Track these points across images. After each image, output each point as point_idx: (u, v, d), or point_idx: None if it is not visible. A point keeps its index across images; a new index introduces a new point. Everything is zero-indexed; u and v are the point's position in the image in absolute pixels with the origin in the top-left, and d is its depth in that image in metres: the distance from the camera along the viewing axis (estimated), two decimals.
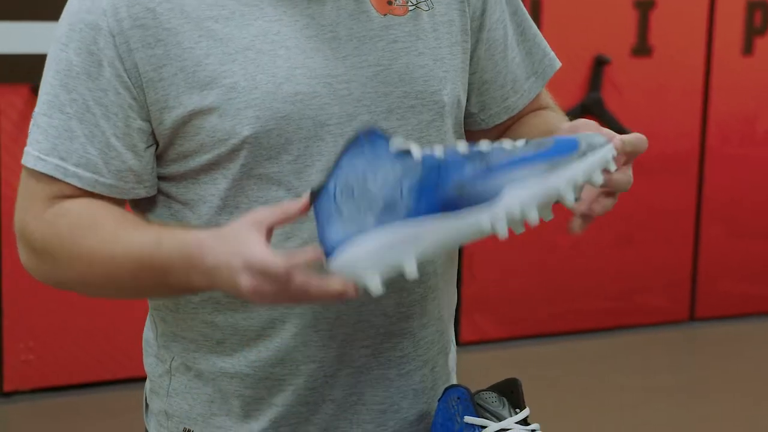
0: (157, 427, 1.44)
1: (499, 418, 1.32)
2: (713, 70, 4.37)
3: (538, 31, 1.51)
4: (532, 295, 4.28)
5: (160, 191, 1.36)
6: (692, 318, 4.53)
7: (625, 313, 4.41)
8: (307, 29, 1.31)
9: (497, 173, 1.14)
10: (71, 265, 1.31)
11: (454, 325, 4.41)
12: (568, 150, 1.17)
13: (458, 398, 1.30)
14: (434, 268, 1.40)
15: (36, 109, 1.33)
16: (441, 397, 1.32)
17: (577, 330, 4.35)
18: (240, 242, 1.17)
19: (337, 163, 1.16)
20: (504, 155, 1.16)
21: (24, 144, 1.35)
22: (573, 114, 4.18)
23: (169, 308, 1.38)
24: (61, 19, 1.34)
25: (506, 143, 1.17)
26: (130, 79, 1.29)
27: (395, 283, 1.29)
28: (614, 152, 1.20)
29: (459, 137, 1.43)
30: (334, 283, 1.14)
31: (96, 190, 1.32)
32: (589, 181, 1.18)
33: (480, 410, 1.31)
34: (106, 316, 3.68)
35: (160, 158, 1.34)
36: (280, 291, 1.16)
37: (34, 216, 1.32)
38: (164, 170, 1.35)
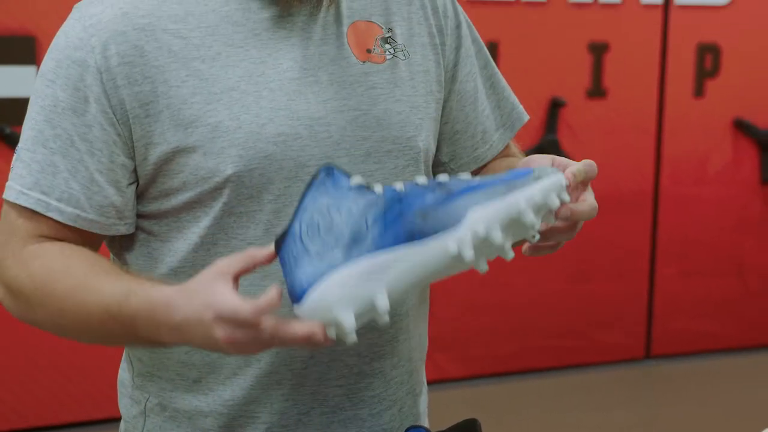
0: None
1: None
2: (666, 112, 4.43)
3: (507, 85, 1.56)
4: (490, 334, 4.31)
5: (138, 228, 1.38)
6: (648, 355, 4.56)
7: (582, 351, 4.44)
8: (290, 72, 1.35)
9: (458, 198, 1.15)
10: (44, 309, 1.32)
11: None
12: (523, 175, 1.20)
13: None
14: (405, 309, 1.44)
15: (20, 144, 1.35)
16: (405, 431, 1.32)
17: (536, 368, 4.38)
18: (208, 294, 1.15)
19: (300, 203, 1.17)
20: (463, 183, 1.18)
21: None
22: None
23: (145, 348, 1.41)
24: (47, 55, 1.36)
25: (463, 175, 1.21)
26: (115, 115, 1.32)
27: (368, 322, 1.28)
28: (566, 182, 1.22)
29: None
30: (303, 327, 1.13)
31: (77, 225, 1.33)
32: (546, 203, 1.18)
33: None
34: (76, 355, 3.66)
35: (141, 196, 1.36)
36: (254, 338, 1.15)
37: (12, 252, 1.33)
38: (145, 208, 1.37)
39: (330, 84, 1.37)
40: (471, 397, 4.14)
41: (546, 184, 1.18)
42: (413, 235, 1.13)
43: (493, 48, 4.09)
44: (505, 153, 1.56)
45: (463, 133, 1.51)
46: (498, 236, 1.14)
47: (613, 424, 3.96)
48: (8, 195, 1.34)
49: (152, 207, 1.37)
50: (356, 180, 1.19)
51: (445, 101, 1.48)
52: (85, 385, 3.72)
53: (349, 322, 1.11)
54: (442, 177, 1.20)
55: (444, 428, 1.34)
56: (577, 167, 1.27)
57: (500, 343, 4.34)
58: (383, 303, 1.12)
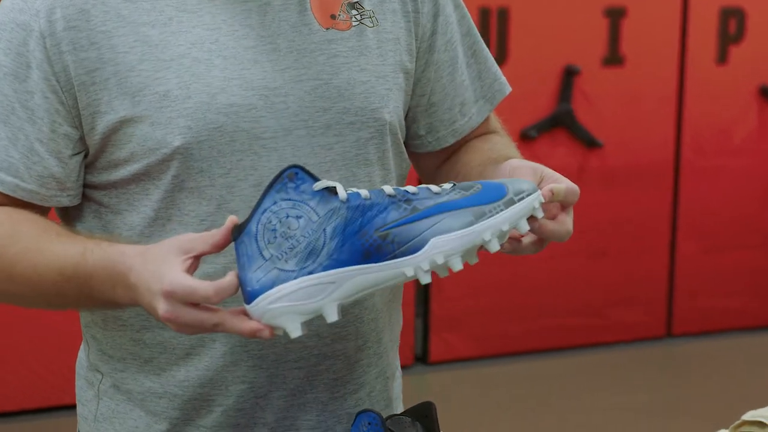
0: None
1: None
2: (687, 80, 4.40)
3: (490, 55, 1.52)
4: (503, 312, 4.29)
5: (90, 199, 1.37)
6: (669, 334, 4.56)
7: (599, 329, 4.43)
8: (246, 39, 1.32)
9: (423, 220, 1.17)
10: None
11: (424, 343, 4.42)
12: (494, 198, 1.20)
13: (369, 423, 1.30)
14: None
15: None
16: (353, 422, 1.32)
17: (550, 347, 4.36)
18: (164, 266, 1.17)
19: (259, 203, 1.16)
20: (430, 200, 1.18)
21: None
22: (543, 127, 4.22)
23: (98, 325, 1.40)
24: None
25: (433, 187, 1.19)
26: (59, 82, 1.30)
27: None
28: (541, 199, 1.23)
29: (399, 157, 1.44)
30: (249, 323, 1.15)
31: (16, 195, 1.32)
32: (515, 229, 1.21)
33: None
34: (41, 340, 3.67)
35: (90, 166, 1.35)
36: (198, 320, 1.16)
37: None
38: (95, 178, 1.35)
39: (289, 52, 1.34)
40: (482, 378, 4.12)
41: (517, 210, 1.19)
42: (371, 254, 1.14)
43: (504, 14, 4.04)
44: (485, 128, 1.52)
45: (440, 105, 1.47)
46: (457, 265, 1.17)
47: (631, 405, 3.94)
48: None
49: (101, 177, 1.35)
50: (320, 184, 1.17)
51: (422, 72, 1.45)
52: (42, 372, 3.71)
53: (295, 331, 1.14)
54: (411, 188, 1.19)
55: (398, 412, 1.34)
56: (558, 187, 1.26)
57: (513, 321, 4.32)
58: (333, 316, 1.15)
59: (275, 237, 1.15)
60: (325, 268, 1.14)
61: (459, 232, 1.16)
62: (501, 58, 4.05)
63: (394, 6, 1.41)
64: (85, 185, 1.36)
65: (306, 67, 1.34)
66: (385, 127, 1.39)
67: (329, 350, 1.39)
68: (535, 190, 1.22)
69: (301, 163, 1.28)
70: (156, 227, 1.34)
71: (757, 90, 4.51)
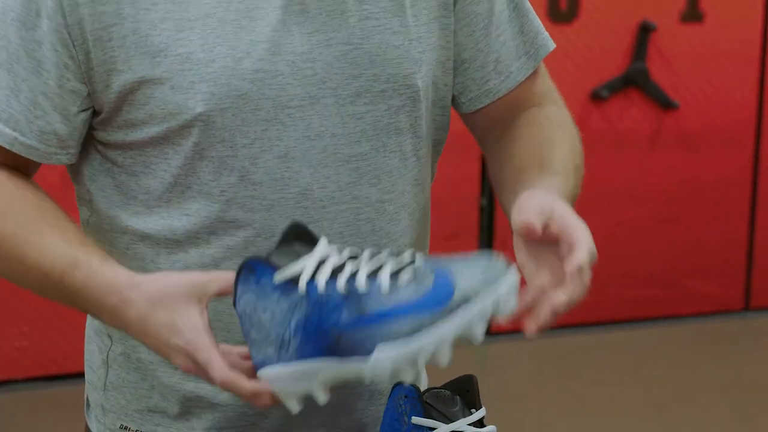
0: (95, 423, 1.43)
1: (451, 419, 1.31)
2: None
3: (531, 7, 1.45)
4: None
5: (104, 157, 1.33)
6: (747, 307, 4.49)
7: (671, 301, 4.36)
8: (274, 0, 1.28)
9: (369, 325, 1.15)
10: None
11: None
12: (438, 303, 1.13)
13: (405, 396, 1.29)
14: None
15: None
16: (390, 394, 1.31)
17: (616, 320, 4.31)
18: (179, 319, 1.18)
19: (234, 289, 1.20)
20: (377, 303, 1.15)
21: None
22: (615, 86, 4.12)
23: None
24: None
25: (384, 278, 1.15)
26: (70, 35, 1.25)
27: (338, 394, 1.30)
28: (513, 288, 1.14)
29: (433, 124, 1.39)
30: (252, 385, 1.18)
31: (14, 149, 1.29)
32: (469, 333, 1.14)
33: (430, 410, 1.30)
34: (43, 306, 3.72)
35: (104, 124, 1.31)
36: (206, 377, 1.19)
37: None
38: (109, 137, 1.31)
39: (318, 14, 1.29)
40: (543, 350, 4.09)
41: (474, 313, 1.12)
42: (332, 351, 1.16)
43: None
44: (531, 91, 1.44)
45: (472, 62, 1.41)
46: (408, 374, 1.15)
47: (705, 382, 3.91)
48: None
49: (116, 137, 1.31)
50: (280, 276, 1.17)
51: (455, 25, 1.39)
52: (52, 340, 3.72)
53: (293, 408, 1.19)
54: (361, 283, 1.16)
55: (438, 385, 1.33)
56: (576, 263, 1.19)
57: None
58: (322, 398, 1.18)
59: (252, 324, 1.19)
60: (298, 359, 1.16)
61: (403, 342, 1.14)
62: (571, 14, 3.97)
63: None
64: (99, 142, 1.33)
65: (336, 30, 1.29)
66: (417, 94, 1.34)
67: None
68: (503, 283, 1.14)
69: (328, 134, 1.29)
70: (174, 194, 1.31)
71: None
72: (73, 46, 1.26)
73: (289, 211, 1.30)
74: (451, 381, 1.32)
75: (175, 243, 1.32)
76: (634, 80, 4.12)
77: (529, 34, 1.43)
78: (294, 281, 1.17)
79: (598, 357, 4.09)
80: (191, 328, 1.17)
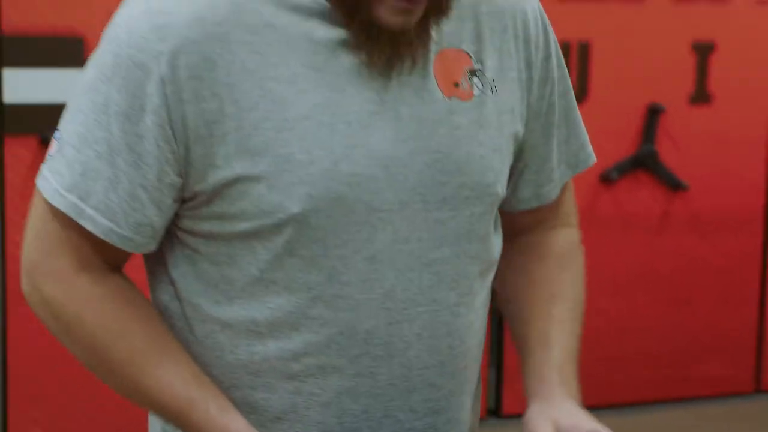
0: None
1: None
2: None
3: (581, 120, 1.51)
4: (579, 364, 4.23)
5: (184, 244, 1.35)
6: (758, 389, 4.47)
7: (682, 383, 4.35)
8: (370, 104, 1.31)
9: None
10: (86, 358, 1.35)
11: (497, 395, 4.38)
12: None
13: None
14: (465, 363, 1.43)
15: (63, 134, 1.32)
16: None
17: (629, 402, 4.29)
18: None
19: None
20: None
21: (30, 198, 1.36)
22: (624, 168, 4.16)
23: None
24: (104, 42, 1.31)
25: None
26: (173, 131, 1.28)
27: (426, 378, 1.37)
28: None
29: (498, 228, 1.45)
30: None
31: (109, 239, 1.31)
32: None
33: None
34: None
35: (191, 214, 1.33)
36: None
37: (54, 274, 1.33)
38: (195, 226, 1.34)
39: (411, 120, 1.32)
40: None
41: None
42: None
43: (585, 49, 4.02)
44: (555, 210, 1.51)
45: (530, 168, 1.47)
46: None
47: None
48: (44, 189, 1.32)
49: (203, 227, 1.33)
50: None
51: (525, 132, 1.45)
52: (121, 417, 3.71)
53: None
54: None
55: None
56: None
57: (590, 373, 4.24)
58: None
59: None
60: None
61: None
62: (581, 95, 4.01)
63: (512, 75, 1.40)
64: (182, 230, 1.35)
65: (426, 138, 1.33)
66: (496, 202, 1.40)
67: (420, 424, 1.39)
68: None
69: (415, 238, 1.33)
70: (258, 287, 1.33)
71: None
72: (175, 141, 1.28)
73: (373, 312, 1.34)
74: None
75: (255, 334, 1.34)
76: (644, 162, 4.15)
77: (573, 146, 1.50)
78: None
79: None
80: None
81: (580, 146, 1.50)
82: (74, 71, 3.40)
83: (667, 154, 4.19)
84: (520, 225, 1.52)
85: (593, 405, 4.71)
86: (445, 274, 1.37)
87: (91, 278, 1.33)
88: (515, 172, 1.46)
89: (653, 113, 4.13)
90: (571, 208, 1.54)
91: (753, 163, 4.33)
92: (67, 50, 3.40)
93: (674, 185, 4.19)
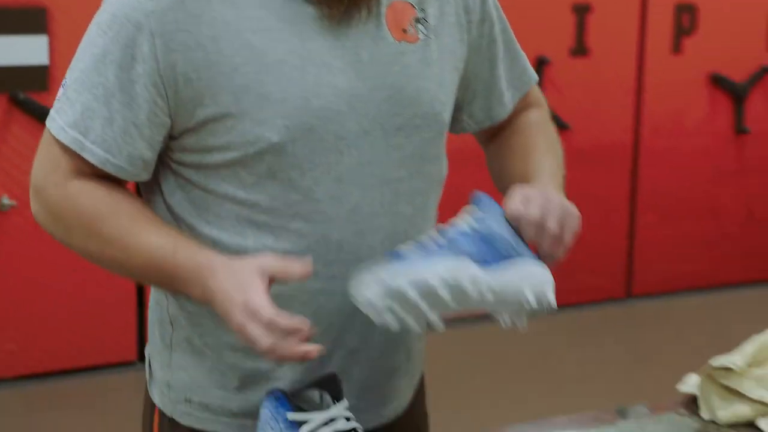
0: (159, 396, 1.50)
1: (321, 411, 1.36)
2: (645, 69, 4.48)
3: (520, 49, 1.58)
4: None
5: (178, 175, 1.41)
6: (629, 295, 4.61)
7: (568, 292, 4.43)
8: (335, 50, 1.37)
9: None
10: (84, 242, 1.39)
11: None
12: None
13: (277, 398, 1.33)
14: None
15: (68, 81, 1.38)
16: (263, 402, 1.35)
17: None
18: (245, 283, 1.28)
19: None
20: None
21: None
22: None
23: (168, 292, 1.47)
24: (104, 5, 1.37)
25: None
26: (162, 77, 1.33)
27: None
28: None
29: (444, 150, 1.52)
30: (300, 347, 1.26)
31: (105, 168, 1.36)
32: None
33: (302, 407, 1.34)
34: (87, 304, 3.74)
35: (180, 147, 1.39)
36: (257, 337, 1.26)
37: (54, 183, 1.38)
38: (186, 158, 1.39)
39: (369, 62, 1.39)
40: (457, 338, 4.09)
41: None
42: None
43: None
44: (524, 102, 1.58)
45: (479, 95, 1.54)
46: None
47: (597, 359, 4.04)
48: (51, 126, 1.38)
49: (192, 158, 1.39)
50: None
51: (468, 69, 1.51)
52: (88, 333, 3.73)
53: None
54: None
55: (307, 384, 1.39)
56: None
57: None
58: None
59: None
60: None
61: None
62: None
63: (451, 20, 1.47)
64: (174, 162, 1.41)
65: (383, 76, 1.39)
66: (444, 128, 1.47)
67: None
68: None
69: (376, 161, 1.38)
70: (244, 208, 1.38)
71: (708, 77, 4.55)
72: (164, 86, 1.34)
73: (343, 224, 1.38)
74: (316, 380, 1.37)
75: (243, 250, 1.38)
76: None
77: (516, 71, 1.56)
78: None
79: (512, 341, 4.14)
80: (255, 290, 1.26)
81: (522, 70, 1.57)
82: (39, 37, 3.46)
83: (552, 99, 4.23)
84: (491, 131, 1.59)
85: (474, 314, 4.73)
86: (402, 191, 1.42)
87: (83, 179, 1.38)
88: (465, 101, 1.53)
89: (540, 64, 4.19)
90: (533, 97, 1.60)
91: (623, 106, 4.47)
92: (32, 19, 3.36)
93: (558, 126, 4.22)
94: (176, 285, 1.35)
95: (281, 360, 1.28)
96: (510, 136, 1.58)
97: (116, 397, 3.63)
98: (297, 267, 1.28)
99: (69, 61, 1.39)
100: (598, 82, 4.36)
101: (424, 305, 1.23)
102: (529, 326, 4.56)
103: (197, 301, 1.35)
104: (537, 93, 1.61)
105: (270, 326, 1.25)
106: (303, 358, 1.26)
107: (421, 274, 1.22)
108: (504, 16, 1.55)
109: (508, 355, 4.02)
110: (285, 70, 1.34)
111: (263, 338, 1.25)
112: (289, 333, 1.24)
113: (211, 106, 1.34)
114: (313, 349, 1.25)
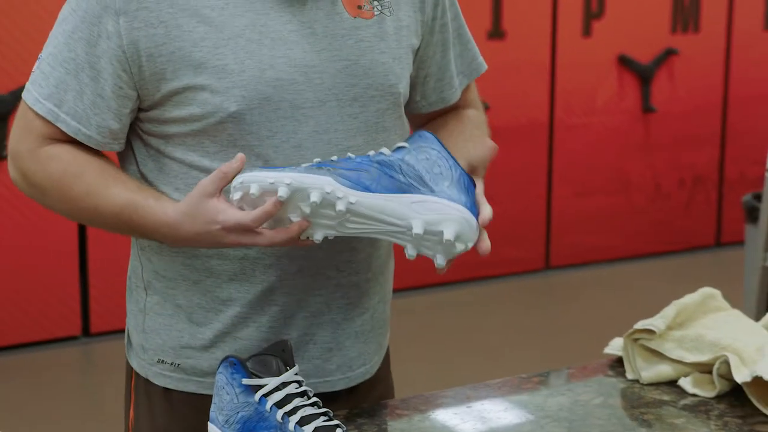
0: (136, 359, 1.56)
1: (275, 375, 1.38)
2: (558, 50, 4.63)
3: (471, 38, 1.63)
4: (396, 250, 4.33)
5: (148, 145, 1.46)
6: (547, 267, 4.74)
7: (488, 264, 4.55)
8: (290, 24, 1.42)
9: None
10: (59, 204, 1.45)
11: None
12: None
13: (233, 365, 1.37)
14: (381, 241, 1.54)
15: (43, 55, 1.45)
16: (219, 365, 1.39)
17: (446, 281, 4.48)
18: (208, 214, 1.34)
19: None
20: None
21: None
22: None
23: (154, 250, 1.52)
24: None
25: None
26: (125, 53, 1.39)
27: (348, 242, 1.46)
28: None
29: (403, 122, 1.55)
30: (292, 228, 1.33)
31: (77, 138, 1.43)
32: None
33: (256, 371, 1.36)
34: (30, 280, 3.78)
35: (151, 119, 1.44)
36: (253, 242, 1.34)
37: (28, 149, 1.44)
38: (154, 129, 1.45)
39: (324, 36, 1.44)
40: (397, 307, 4.15)
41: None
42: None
43: None
44: (464, 97, 1.63)
45: (432, 77, 1.58)
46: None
47: (518, 327, 4.14)
48: (27, 97, 1.45)
49: (164, 129, 1.45)
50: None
51: (423, 50, 1.56)
52: (26, 310, 3.71)
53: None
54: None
55: (260, 350, 1.42)
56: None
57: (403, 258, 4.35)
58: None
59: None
60: None
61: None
62: None
63: None
64: (145, 132, 1.47)
65: (338, 49, 1.44)
66: (399, 99, 1.51)
67: (345, 281, 1.50)
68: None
69: (332, 130, 1.42)
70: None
71: (616, 58, 4.68)
72: (128, 61, 1.40)
73: None
74: (269, 346, 1.40)
75: None
76: None
77: (466, 58, 1.61)
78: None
79: (431, 312, 4.21)
80: (217, 211, 1.33)
81: (472, 58, 1.62)
82: None
83: None
84: (433, 116, 1.62)
85: (405, 287, 4.82)
86: None
87: (55, 144, 1.44)
88: (419, 81, 1.57)
89: None
90: (474, 98, 1.65)
91: (538, 86, 4.57)
92: None
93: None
94: (149, 236, 1.42)
95: (286, 245, 1.34)
96: (447, 117, 1.62)
97: (61, 371, 3.65)
98: (232, 164, 1.33)
99: None
100: (515, 63, 4.47)
101: (261, 201, 1.30)
102: (452, 297, 4.58)
103: (172, 246, 1.43)
104: (477, 98, 1.66)
105: (256, 223, 1.31)
106: (299, 232, 1.32)
107: (271, 175, 1.30)
108: (457, 5, 1.60)
109: (435, 325, 4.10)
110: (242, 44, 1.39)
111: (260, 239, 1.33)
112: (269, 214, 1.30)
113: (174, 81, 1.39)
114: (302, 221, 1.31)
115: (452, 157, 1.39)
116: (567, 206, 4.72)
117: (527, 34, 4.49)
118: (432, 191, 1.34)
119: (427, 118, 1.63)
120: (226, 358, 1.37)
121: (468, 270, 4.57)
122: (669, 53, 4.76)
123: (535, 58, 4.53)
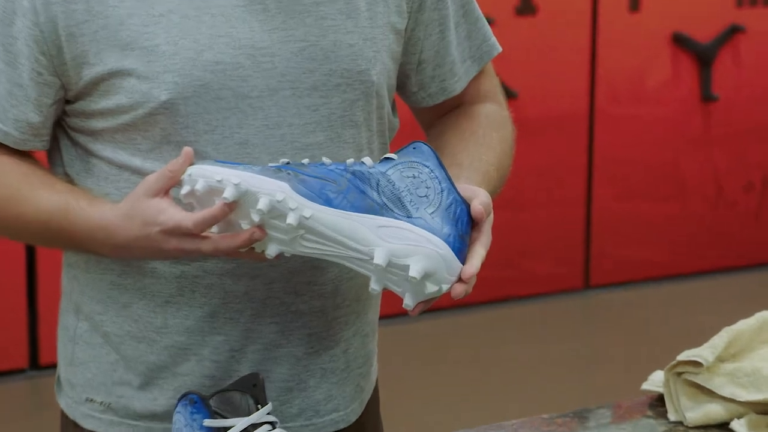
0: (64, 399, 1.55)
1: (242, 416, 1.37)
2: (600, 28, 4.61)
3: (482, 15, 1.60)
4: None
5: (76, 144, 1.45)
6: (587, 286, 4.72)
7: (517, 282, 4.54)
8: None
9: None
10: None
11: None
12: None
13: (193, 403, 1.36)
14: None
15: None
16: (177, 403, 1.39)
17: (466, 302, 4.41)
18: (147, 214, 1.34)
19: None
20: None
21: None
22: None
23: (80, 267, 1.51)
24: None
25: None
26: (42, 32, 1.38)
27: (309, 261, 1.42)
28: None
29: (382, 119, 1.52)
30: (243, 234, 1.31)
31: None
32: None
33: (221, 411, 1.36)
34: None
35: (76, 113, 1.43)
36: (197, 249, 1.33)
37: None
38: (82, 124, 1.43)
39: (278, 12, 1.41)
40: (391, 335, 4.14)
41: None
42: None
43: None
44: (476, 89, 1.59)
45: (429, 63, 1.55)
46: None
47: (550, 358, 4.13)
48: None
49: (90, 124, 1.43)
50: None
51: (412, 30, 1.52)
52: None
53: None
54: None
55: (227, 386, 1.41)
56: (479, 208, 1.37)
57: None
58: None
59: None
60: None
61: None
62: None
63: None
64: (72, 129, 1.46)
65: (294, 28, 1.41)
66: (371, 89, 1.47)
67: (306, 307, 1.47)
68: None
69: (286, 124, 1.40)
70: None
71: (670, 37, 4.65)
72: (45, 42, 1.39)
73: None
74: (237, 380, 1.40)
75: None
76: None
77: (475, 39, 1.57)
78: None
79: (451, 337, 4.19)
80: (158, 211, 1.32)
81: (482, 39, 1.58)
82: None
83: (496, 64, 4.24)
84: (441, 112, 1.59)
85: (432, 308, 4.75)
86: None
87: None
88: (413, 68, 1.54)
89: None
90: (490, 87, 1.61)
91: (576, 69, 4.62)
92: None
93: (505, 93, 4.26)
94: (83, 246, 1.41)
95: (235, 256, 1.34)
96: (459, 115, 1.58)
97: (6, 406, 3.68)
98: (178, 160, 1.32)
99: None
100: (548, 43, 4.43)
101: (209, 202, 1.30)
102: (475, 319, 4.56)
103: (113, 258, 1.41)
104: (498, 89, 1.62)
105: (199, 227, 1.31)
106: (250, 241, 1.30)
107: (221, 172, 1.29)
108: None
109: (441, 354, 4.09)
110: (175, 21, 1.37)
111: (203, 244, 1.32)
112: (215, 218, 1.29)
113: (98, 65, 1.38)
114: (254, 228, 1.29)
115: (449, 179, 1.33)
116: (610, 213, 4.69)
117: (563, 8, 4.44)
118: (408, 216, 1.29)
119: (434, 113, 1.60)
120: (185, 395, 1.36)
121: (487, 289, 4.51)
122: (734, 30, 4.72)
123: (573, 37, 4.49)
